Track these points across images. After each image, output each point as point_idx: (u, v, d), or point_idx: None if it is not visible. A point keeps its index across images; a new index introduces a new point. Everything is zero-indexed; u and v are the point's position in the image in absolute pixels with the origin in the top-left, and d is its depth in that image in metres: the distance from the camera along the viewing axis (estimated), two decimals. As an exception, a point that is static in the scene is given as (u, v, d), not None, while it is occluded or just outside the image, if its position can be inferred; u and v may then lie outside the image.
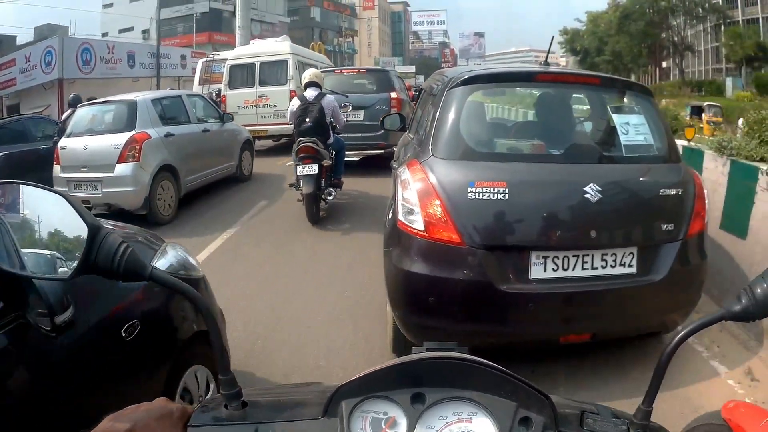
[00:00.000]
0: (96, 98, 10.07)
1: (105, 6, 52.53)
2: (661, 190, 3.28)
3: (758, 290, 0.92)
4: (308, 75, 7.74)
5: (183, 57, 33.53)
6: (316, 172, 7.04)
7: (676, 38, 53.42)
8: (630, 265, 3.21)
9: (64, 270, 0.97)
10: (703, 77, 55.30)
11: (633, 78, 58.76)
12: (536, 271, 3.11)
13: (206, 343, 2.70)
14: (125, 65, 27.66)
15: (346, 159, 8.78)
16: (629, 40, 53.56)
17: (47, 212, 1.00)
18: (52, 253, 0.98)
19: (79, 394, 1.90)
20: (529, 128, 4.62)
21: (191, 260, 2.96)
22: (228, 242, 6.79)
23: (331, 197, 7.75)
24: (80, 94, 12.02)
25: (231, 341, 3.07)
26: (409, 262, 3.19)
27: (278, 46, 15.26)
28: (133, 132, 7.79)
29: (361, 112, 10.66)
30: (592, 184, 3.10)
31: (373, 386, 0.86)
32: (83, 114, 8.58)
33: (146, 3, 46.41)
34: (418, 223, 3.14)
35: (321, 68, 13.21)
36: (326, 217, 7.65)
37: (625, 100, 3.74)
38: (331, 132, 7.64)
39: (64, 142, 8.14)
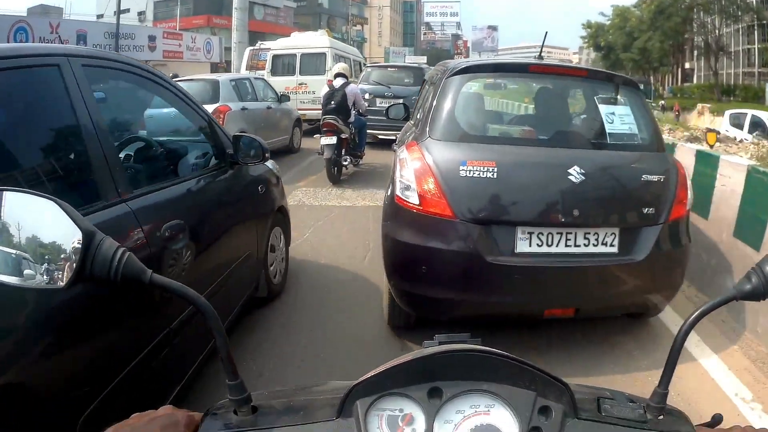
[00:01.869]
0: (172, 75, 13.84)
1: (101, -15, 53.00)
2: (643, 176, 3.73)
3: (767, 269, 0.99)
4: (337, 67, 10.68)
5: (152, 38, 31.52)
6: (335, 142, 9.63)
7: (709, 37, 52.62)
8: (612, 245, 3.67)
9: (51, 279, 0.96)
10: (732, 81, 54.79)
11: (652, 78, 58.33)
12: (522, 246, 3.58)
13: (281, 213, 4.99)
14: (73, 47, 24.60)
15: (386, 137, 12.71)
16: (662, 37, 53.01)
17: (32, 219, 0.96)
18: (44, 264, 0.95)
19: (253, 208, 4.29)
20: (520, 115, 5.18)
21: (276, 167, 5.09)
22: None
23: (347, 163, 10.37)
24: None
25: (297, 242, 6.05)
26: (405, 234, 3.70)
27: (318, 40, 18.21)
28: (217, 104, 10.53)
29: (401, 101, 12.51)
30: (576, 167, 3.58)
31: (387, 383, 0.88)
32: None
33: (142, -16, 46.84)
34: (413, 198, 3.63)
35: (354, 60, 18.36)
36: (346, 181, 10.38)
37: (612, 91, 4.20)
38: (353, 113, 10.29)
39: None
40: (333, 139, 9.60)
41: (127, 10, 48.01)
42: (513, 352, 0.87)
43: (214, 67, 37.83)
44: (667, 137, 6.30)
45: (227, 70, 34.22)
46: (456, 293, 3.68)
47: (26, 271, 0.94)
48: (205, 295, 2.74)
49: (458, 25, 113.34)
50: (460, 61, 4.50)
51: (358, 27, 77.60)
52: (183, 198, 3.19)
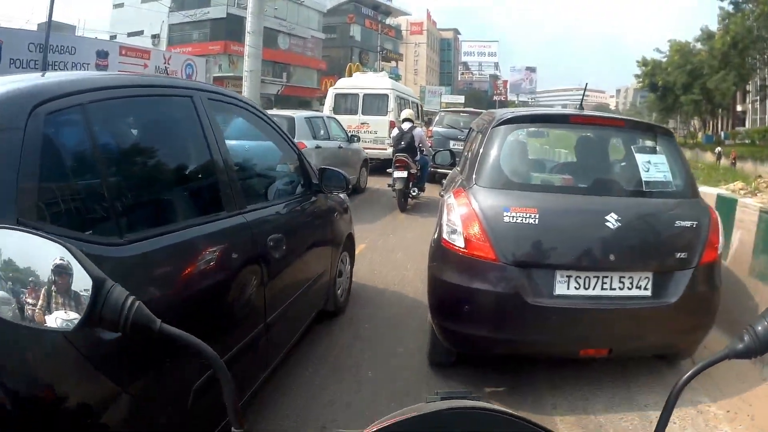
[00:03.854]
0: None
1: (115, 6, 54.22)
2: (676, 222, 4.27)
3: (759, 328, 1.11)
4: (405, 113, 14.35)
5: (103, 54, 25.25)
6: (406, 176, 12.56)
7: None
8: (646, 288, 4.18)
9: (65, 321, 1.03)
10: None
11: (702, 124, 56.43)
12: (560, 288, 4.12)
13: (349, 240, 6.08)
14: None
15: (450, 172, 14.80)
16: (736, 78, 50.84)
17: (43, 262, 1.02)
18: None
19: (330, 233, 5.34)
20: (560, 163, 5.85)
21: (346, 198, 6.24)
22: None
23: (414, 194, 13.45)
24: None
25: (364, 263, 7.69)
26: (450, 275, 4.30)
27: (380, 82, 20.94)
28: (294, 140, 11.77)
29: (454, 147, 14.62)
30: (612, 214, 4.14)
31: None
32: None
33: (158, 5, 48.10)
34: (459, 241, 4.22)
35: (412, 102, 22.71)
36: (411, 209, 13.17)
37: (648, 140, 4.82)
38: (419, 153, 13.38)
39: None
40: (404, 173, 12.53)
41: (141, 32, 48.69)
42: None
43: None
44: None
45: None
46: (496, 332, 4.23)
47: (36, 314, 1.01)
48: (291, 301, 3.93)
49: (496, 65, 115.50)
50: (505, 111, 5.16)
51: (393, 63, 78.46)
52: (281, 216, 4.16)
